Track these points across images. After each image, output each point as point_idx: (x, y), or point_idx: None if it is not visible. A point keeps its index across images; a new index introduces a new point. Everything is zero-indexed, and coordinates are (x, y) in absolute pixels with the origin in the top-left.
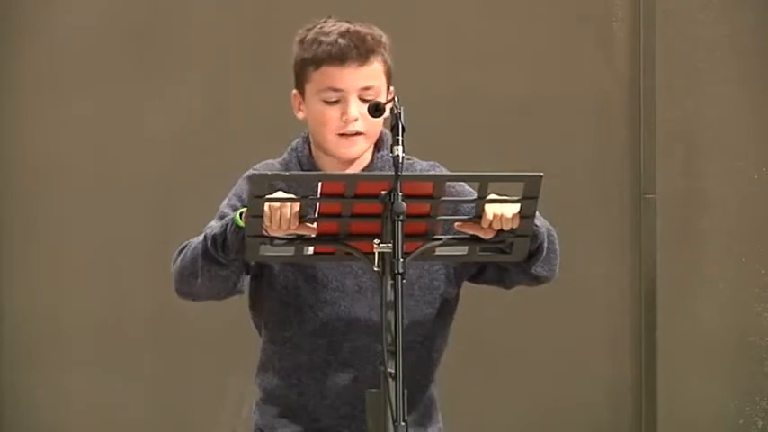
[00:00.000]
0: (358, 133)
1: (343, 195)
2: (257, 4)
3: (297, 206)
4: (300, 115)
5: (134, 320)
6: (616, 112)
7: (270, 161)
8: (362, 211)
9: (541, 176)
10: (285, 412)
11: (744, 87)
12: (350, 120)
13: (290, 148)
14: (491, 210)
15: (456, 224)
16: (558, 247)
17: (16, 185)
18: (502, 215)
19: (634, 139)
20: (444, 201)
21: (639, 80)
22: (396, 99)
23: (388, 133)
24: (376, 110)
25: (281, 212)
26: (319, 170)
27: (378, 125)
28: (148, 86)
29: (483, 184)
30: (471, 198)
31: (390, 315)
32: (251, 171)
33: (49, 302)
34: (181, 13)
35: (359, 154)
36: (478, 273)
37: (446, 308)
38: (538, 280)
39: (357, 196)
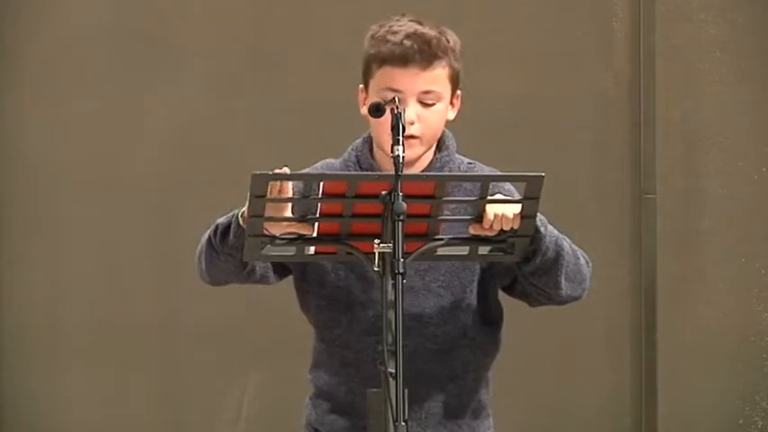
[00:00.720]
0: (413, 136)
1: (344, 195)
2: (257, 4)
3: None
4: (363, 111)
5: (134, 320)
6: (616, 112)
7: (330, 160)
8: (363, 211)
9: (543, 177)
10: (335, 408)
11: (744, 87)
12: (405, 122)
13: (350, 147)
14: (492, 210)
15: (470, 228)
16: (569, 266)
17: (16, 185)
18: (503, 215)
19: (634, 139)
20: (445, 201)
21: (639, 80)
22: (396, 99)
23: (450, 134)
24: (376, 110)
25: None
26: (378, 169)
27: (436, 128)
28: (149, 86)
29: (484, 185)
30: (474, 198)
31: (390, 315)
32: (308, 168)
33: (50, 302)
34: (181, 13)
35: (414, 157)
36: (512, 284)
37: (493, 311)
38: (544, 295)
39: (358, 196)
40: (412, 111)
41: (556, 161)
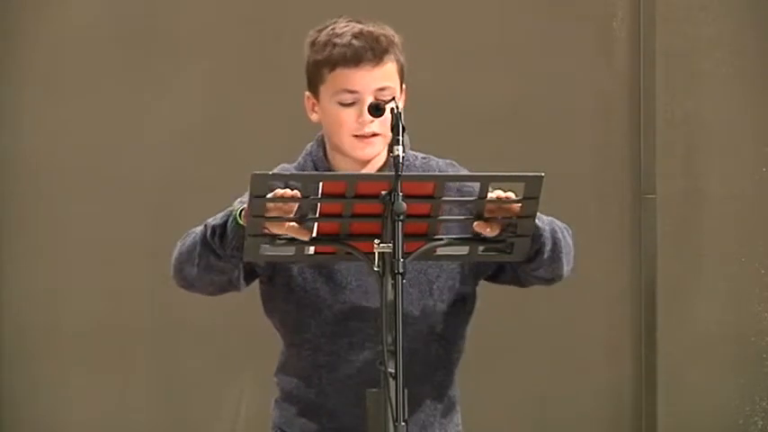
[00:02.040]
0: (374, 134)
1: (343, 195)
2: (259, 4)
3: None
4: (314, 117)
5: (134, 320)
6: (616, 112)
7: (285, 165)
8: (363, 211)
9: (542, 177)
10: (304, 411)
11: (744, 87)
12: (366, 122)
13: (304, 151)
14: (496, 192)
15: (474, 224)
16: (565, 248)
17: (16, 185)
18: (507, 197)
19: (634, 139)
20: (445, 201)
21: (639, 80)
22: (395, 98)
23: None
24: (376, 110)
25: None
26: (334, 171)
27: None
28: (148, 86)
29: (484, 185)
30: (474, 198)
31: (391, 315)
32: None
33: (49, 302)
34: (181, 12)
35: (375, 154)
36: (497, 273)
37: (464, 306)
38: (545, 281)
39: (358, 196)
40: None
41: (556, 161)
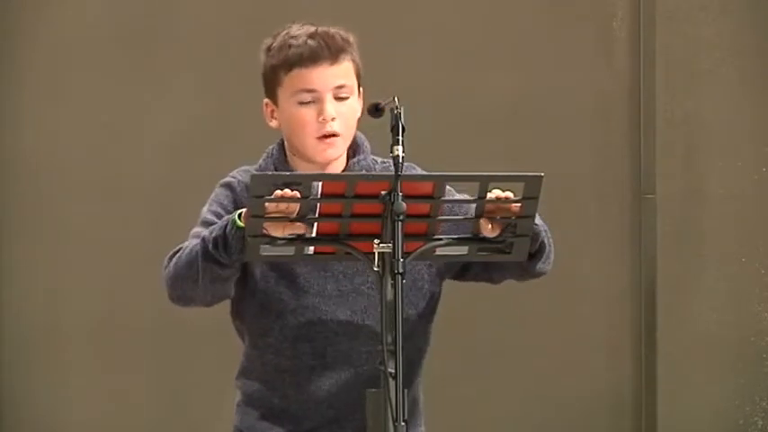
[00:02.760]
0: (335, 135)
1: (343, 195)
2: (259, 4)
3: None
4: (273, 123)
5: (134, 321)
6: (616, 112)
7: (246, 167)
8: (363, 211)
9: (542, 176)
10: (266, 415)
11: (744, 87)
12: (327, 119)
13: (265, 154)
14: (495, 192)
15: (481, 222)
16: (551, 239)
17: (16, 186)
18: (506, 197)
19: (634, 139)
20: (444, 201)
21: (639, 80)
22: (395, 99)
23: (363, 137)
24: (376, 110)
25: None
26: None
27: (352, 128)
28: (149, 87)
29: (483, 184)
30: (474, 198)
31: (390, 315)
32: (227, 178)
33: (50, 303)
34: (181, 12)
35: (337, 156)
36: (463, 271)
37: (429, 306)
38: (538, 276)
39: (357, 196)
40: (331, 107)
41: (556, 161)
